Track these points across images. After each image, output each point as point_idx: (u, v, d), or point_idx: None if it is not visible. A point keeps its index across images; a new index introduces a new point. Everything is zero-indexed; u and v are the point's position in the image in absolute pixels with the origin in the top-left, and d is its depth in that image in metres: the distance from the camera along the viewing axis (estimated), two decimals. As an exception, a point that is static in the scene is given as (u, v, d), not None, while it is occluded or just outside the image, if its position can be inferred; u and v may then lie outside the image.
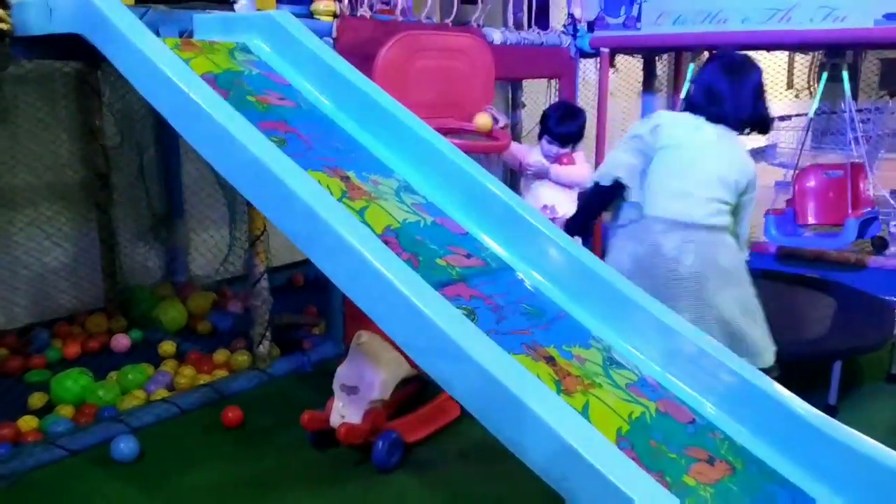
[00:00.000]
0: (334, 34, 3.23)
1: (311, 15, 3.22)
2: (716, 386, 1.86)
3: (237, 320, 3.79)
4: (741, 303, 2.49)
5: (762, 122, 2.55)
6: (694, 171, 2.45)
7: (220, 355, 3.39)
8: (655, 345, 1.94)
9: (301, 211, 1.72)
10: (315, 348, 3.53)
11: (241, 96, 2.23)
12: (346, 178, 2.04)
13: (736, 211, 2.51)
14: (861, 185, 4.42)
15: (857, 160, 4.47)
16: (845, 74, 4.31)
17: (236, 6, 2.89)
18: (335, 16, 3.25)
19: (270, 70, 2.46)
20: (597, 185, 2.63)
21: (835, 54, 4.37)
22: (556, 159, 3.44)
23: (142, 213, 4.09)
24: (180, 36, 2.64)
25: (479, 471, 2.59)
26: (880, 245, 5.15)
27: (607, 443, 1.45)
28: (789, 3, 4.01)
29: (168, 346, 3.48)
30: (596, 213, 2.76)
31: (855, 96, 4.57)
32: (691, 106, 2.56)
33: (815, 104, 4.59)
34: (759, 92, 2.53)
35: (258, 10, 2.90)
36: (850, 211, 4.27)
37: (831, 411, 2.92)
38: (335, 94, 2.39)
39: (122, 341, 3.54)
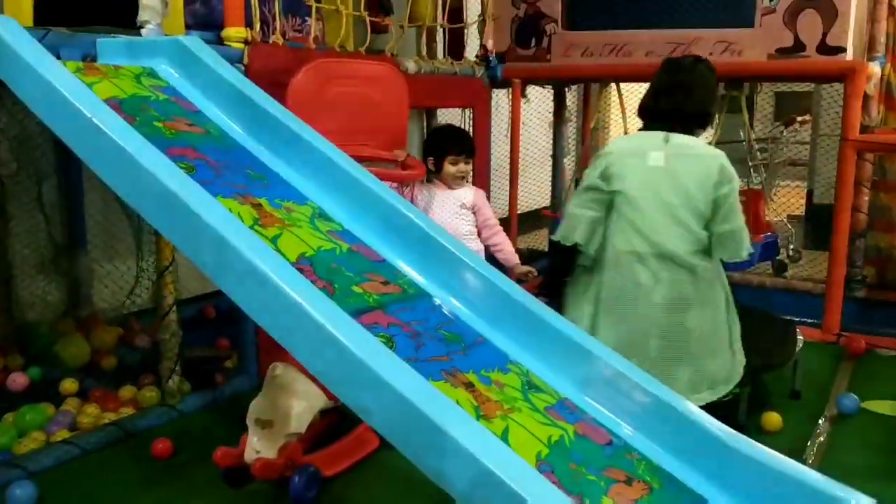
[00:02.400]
0: (245, 61, 3.18)
1: (221, 41, 3.17)
2: (632, 407, 1.88)
3: (145, 355, 3.64)
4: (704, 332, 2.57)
5: (701, 117, 2.64)
6: (651, 209, 2.51)
7: (127, 392, 3.24)
8: (573, 367, 1.96)
9: (210, 239, 1.67)
10: (228, 382, 3.42)
11: (147, 122, 2.16)
12: (257, 206, 1.99)
13: (715, 217, 2.57)
14: (760, 211, 4.62)
15: (756, 187, 4.69)
16: (743, 105, 4.53)
17: (143, 31, 2.82)
18: (246, 42, 3.20)
19: (179, 96, 2.39)
20: (559, 244, 2.66)
21: (733, 87, 4.59)
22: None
23: (41, 244, 3.90)
24: (83, 60, 2.54)
25: (400, 502, 2.55)
26: (780, 268, 5.40)
27: (528, 467, 1.45)
28: (690, 36, 4.20)
29: (70, 384, 3.31)
30: (567, 272, 2.79)
31: (753, 126, 4.79)
32: (642, 113, 2.64)
33: (717, 134, 4.81)
34: (699, 86, 2.61)
35: (166, 34, 2.84)
36: (752, 235, 4.44)
37: (741, 429, 3.00)
38: (246, 121, 2.34)
39: (18, 380, 3.34)
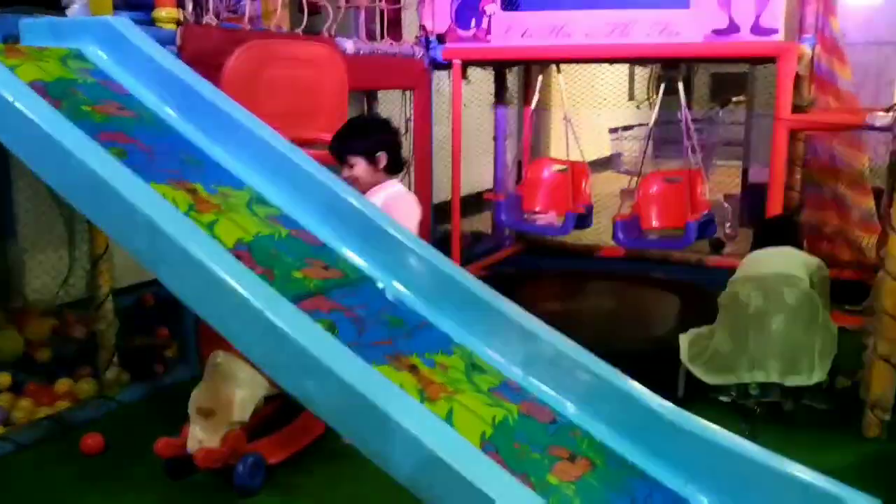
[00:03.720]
0: (178, 42, 3.09)
1: (152, 22, 3.07)
2: (574, 385, 1.90)
3: (81, 346, 3.53)
4: None
5: None
6: None
7: (63, 384, 3.15)
8: (516, 348, 1.97)
9: (144, 226, 1.62)
10: (168, 371, 3.35)
11: (75, 106, 2.08)
12: (192, 191, 1.94)
13: None
14: (698, 190, 4.72)
15: (694, 167, 4.78)
16: (680, 86, 4.60)
17: (68, 11, 2.71)
18: (179, 23, 3.11)
19: (108, 79, 2.31)
20: None
21: (670, 68, 4.66)
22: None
23: (-33, 234, 3.75)
24: (4, 42, 2.44)
25: (345, 488, 2.54)
26: (717, 245, 5.53)
27: (472, 448, 1.46)
28: (628, 18, 4.23)
29: (2, 378, 3.19)
30: None
31: (690, 107, 4.87)
32: None
33: (655, 115, 4.88)
34: None
35: (93, 15, 2.74)
36: (689, 214, 4.55)
37: (680, 404, 3.07)
38: (180, 104, 2.27)
39: (-53, 376, 3.22)
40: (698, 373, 3.08)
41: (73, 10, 2.70)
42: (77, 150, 1.73)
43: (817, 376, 2.90)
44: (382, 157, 2.62)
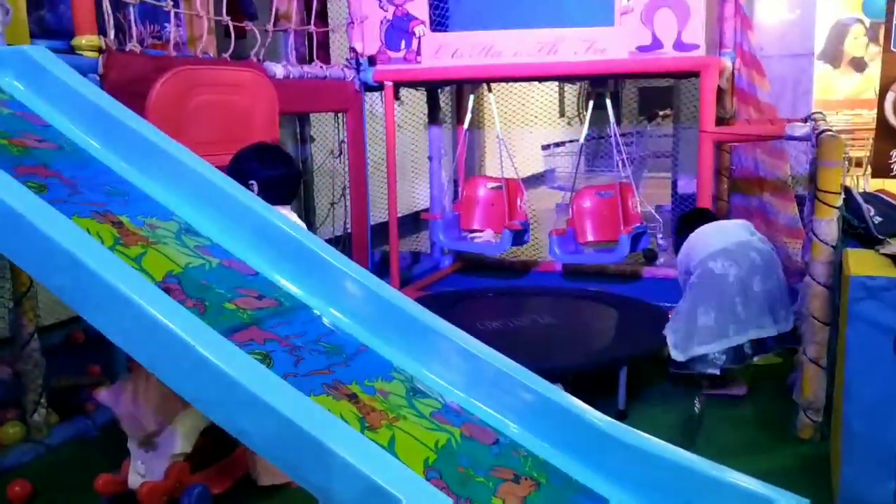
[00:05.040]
0: (100, 71, 3.00)
1: (72, 50, 2.98)
2: (516, 405, 1.91)
3: (6, 387, 3.39)
4: None
5: None
6: None
7: (-13, 429, 3.01)
8: (457, 370, 1.96)
9: (65, 263, 1.56)
10: (100, 409, 3.23)
11: (-10, 139, 2.01)
12: (118, 224, 1.89)
13: None
14: (630, 203, 4.81)
15: (624, 180, 4.87)
16: (608, 102, 4.69)
17: (-18, 41, 2.61)
18: (101, 51, 3.03)
19: (26, 110, 2.23)
20: None
21: (598, 84, 4.75)
22: None
23: None
24: (-87, 75, 2.33)
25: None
26: (651, 257, 5.64)
27: (415, 476, 1.44)
28: (555, 36, 4.30)
29: (-80, 426, 3.04)
30: None
31: (619, 122, 4.97)
32: None
33: (585, 130, 4.96)
34: None
35: (9, 44, 2.64)
36: (622, 227, 4.63)
37: (622, 415, 3.12)
38: (103, 135, 2.21)
39: None
40: (690, 353, 3.29)
41: (-13, 40, 2.61)
42: (-9, 186, 1.66)
43: (791, 321, 3.32)
44: (254, 187, 2.52)
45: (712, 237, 3.45)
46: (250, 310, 1.85)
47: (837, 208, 2.88)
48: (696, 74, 4.22)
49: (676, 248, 3.69)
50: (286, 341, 1.80)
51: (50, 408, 3.06)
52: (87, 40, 2.98)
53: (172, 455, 2.44)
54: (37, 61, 2.30)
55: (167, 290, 1.66)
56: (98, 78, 2.96)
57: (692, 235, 3.53)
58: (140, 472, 2.45)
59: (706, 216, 3.74)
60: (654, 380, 3.59)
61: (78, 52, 2.97)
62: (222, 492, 2.56)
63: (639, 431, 1.81)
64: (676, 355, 3.31)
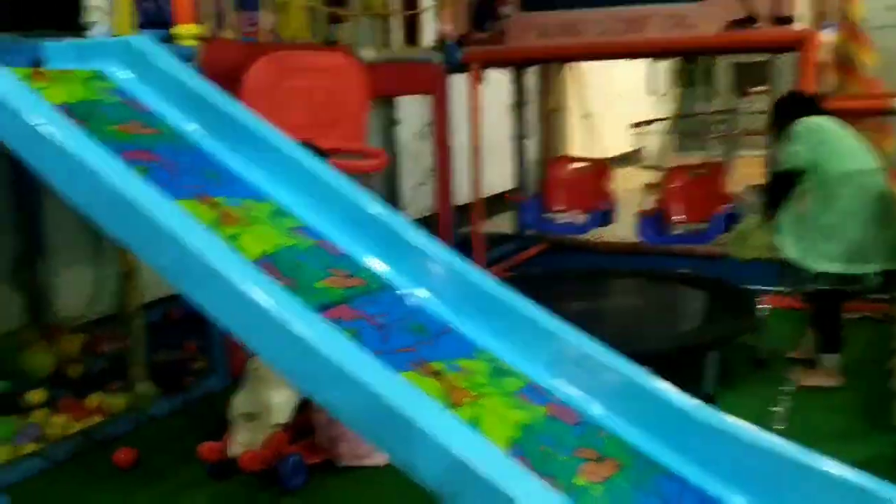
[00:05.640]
0: (199, 58, 3.13)
1: (172, 39, 3.11)
2: (600, 386, 1.90)
3: (111, 361, 3.59)
4: None
5: None
6: None
7: (95, 399, 3.20)
8: (540, 350, 1.97)
9: (167, 242, 1.65)
10: (197, 383, 3.39)
11: (100, 126, 2.12)
12: (216, 205, 1.97)
13: None
14: (721, 183, 4.68)
15: (717, 159, 4.74)
16: (700, 79, 4.57)
17: (91, 32, 2.76)
18: (199, 39, 3.15)
19: (131, 97, 2.35)
20: None
21: (689, 60, 4.63)
22: None
23: (-1, 253, 3.83)
24: (31, 66, 2.49)
25: (386, 484, 2.56)
26: (743, 238, 5.47)
27: (499, 452, 1.46)
28: (642, 13, 4.21)
29: (35, 395, 3.25)
30: None
31: (711, 99, 4.84)
32: None
33: (676, 108, 4.85)
34: None
35: (115, 35, 2.79)
36: (714, 207, 4.51)
37: (709, 399, 3.05)
38: (202, 120, 2.31)
39: (-17, 394, 3.29)
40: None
41: (96, 31, 2.75)
42: (101, 170, 1.76)
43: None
44: None
45: (850, 146, 3.27)
46: (340, 288, 1.91)
47: (945, 187, 2.74)
48: (794, 48, 4.06)
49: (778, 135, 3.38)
50: (373, 319, 1.85)
51: (152, 380, 3.23)
52: (186, 29, 3.11)
53: (271, 426, 2.56)
54: (141, 50, 2.42)
55: (262, 269, 1.73)
56: (196, 65, 3.09)
57: (817, 125, 3.28)
58: (241, 440, 2.58)
59: (812, 106, 3.43)
60: (744, 364, 3.51)
61: (178, 40, 3.10)
62: (318, 462, 2.67)
63: (729, 416, 1.78)
64: (806, 262, 3.17)
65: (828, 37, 4.18)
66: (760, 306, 3.50)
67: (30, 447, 2.85)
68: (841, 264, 3.12)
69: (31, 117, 1.85)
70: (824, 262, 3.13)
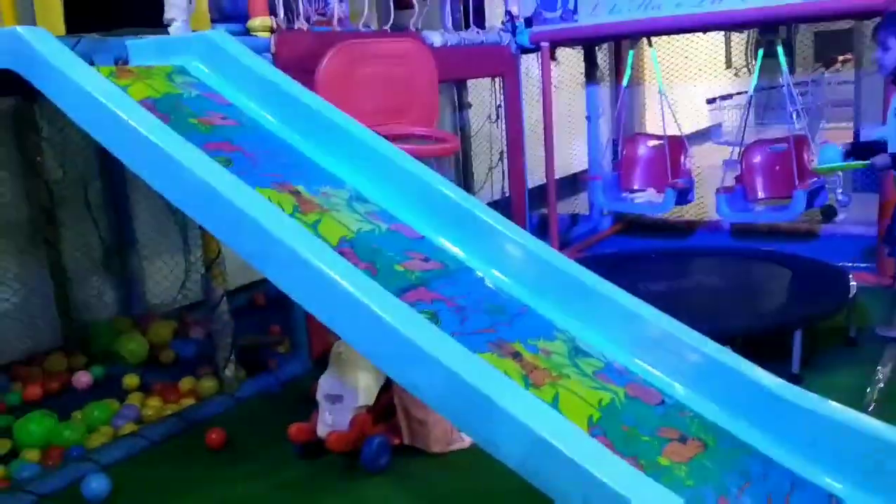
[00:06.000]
0: (273, 49, 3.20)
1: (247, 32, 3.19)
2: (681, 366, 1.88)
3: (200, 346, 3.73)
4: None
5: None
6: None
7: (186, 383, 3.33)
8: (619, 330, 1.95)
9: (252, 230, 1.70)
10: (282, 367, 3.49)
11: (182, 119, 2.20)
12: (296, 193, 2.02)
13: None
14: (805, 157, 4.52)
15: (799, 132, 4.58)
16: (780, 50, 4.41)
17: (170, 29, 2.85)
18: (272, 31, 3.22)
19: (210, 90, 2.43)
20: None
21: (769, 31, 4.47)
22: None
23: (92, 245, 4.01)
24: (116, 63, 2.59)
25: (472, 464, 2.59)
26: (829, 213, 5.28)
27: (580, 432, 1.46)
28: (720, -17, 4.09)
29: (132, 379, 3.42)
30: None
31: (792, 70, 4.68)
32: None
33: (754, 81, 4.69)
34: None
35: (193, 31, 2.87)
36: (797, 183, 4.37)
37: (795, 379, 2.98)
38: (278, 110, 2.36)
39: (83, 379, 3.46)
40: None
41: (175, 28, 2.84)
42: (187, 162, 1.83)
43: None
44: None
45: None
46: (418, 271, 1.94)
47: None
48: (881, 13, 3.87)
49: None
50: (452, 301, 1.87)
51: (238, 364, 3.33)
52: (260, 22, 3.18)
53: (356, 407, 2.63)
54: (218, 44, 2.49)
55: (342, 254, 1.77)
56: (271, 56, 3.17)
57: None
58: (328, 422, 2.66)
59: None
60: (831, 343, 3.40)
61: (252, 33, 3.18)
62: (401, 443, 2.72)
63: (814, 394, 1.74)
64: None
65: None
66: (850, 284, 3.37)
67: (128, 428, 2.99)
68: None
69: (118, 112, 1.93)
70: None
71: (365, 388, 2.63)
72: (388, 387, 2.71)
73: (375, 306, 1.55)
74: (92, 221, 3.97)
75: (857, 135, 6.42)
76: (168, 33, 2.82)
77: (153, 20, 2.89)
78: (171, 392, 3.29)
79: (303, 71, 2.84)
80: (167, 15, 2.85)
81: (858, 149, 3.29)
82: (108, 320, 3.94)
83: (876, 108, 4.20)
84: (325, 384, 2.69)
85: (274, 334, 3.90)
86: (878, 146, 3.19)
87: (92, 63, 2.43)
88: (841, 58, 5.88)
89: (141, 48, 2.57)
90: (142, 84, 2.29)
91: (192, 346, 3.76)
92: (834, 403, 1.72)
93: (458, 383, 1.46)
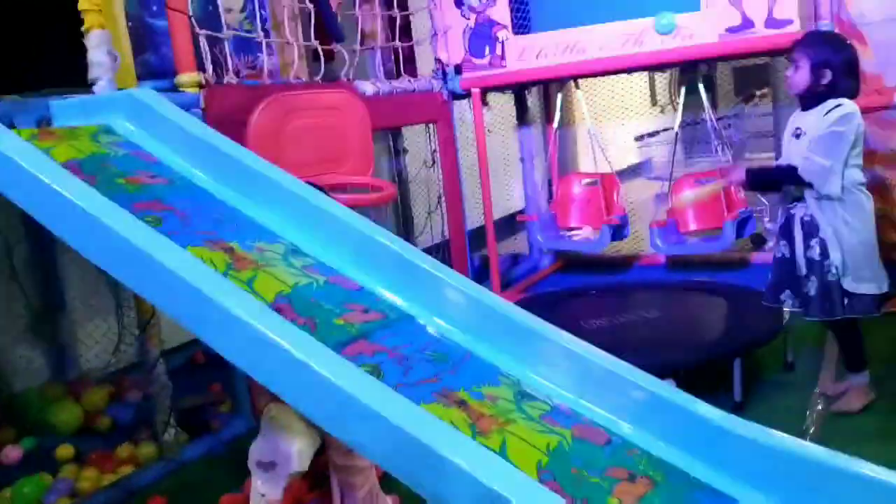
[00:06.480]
0: (202, 105, 3.17)
1: (175, 88, 3.15)
2: (626, 403, 1.88)
3: (138, 410, 3.61)
4: None
5: None
6: None
7: (124, 450, 3.21)
8: (563, 372, 1.95)
9: (184, 291, 1.65)
10: (225, 427, 3.39)
11: (109, 180, 2.15)
12: (229, 250, 1.98)
13: None
14: (733, 188, 4.66)
15: (725, 165, 4.73)
16: (701, 86, 4.57)
17: (95, 88, 2.80)
18: (201, 86, 3.19)
19: (138, 149, 2.38)
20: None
21: (689, 68, 4.63)
22: None
23: (18, 311, 3.86)
24: (38, 125, 2.53)
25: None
26: (758, 241, 5.45)
27: (529, 479, 1.44)
28: (640, 27, 4.23)
29: (65, 450, 3.27)
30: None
31: (714, 105, 4.84)
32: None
33: (679, 117, 4.85)
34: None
35: (119, 89, 2.82)
36: (725, 213, 4.49)
37: (739, 407, 3.03)
38: (209, 166, 2.33)
39: (12, 454, 3.30)
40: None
41: (100, 87, 2.79)
42: (113, 224, 1.77)
43: None
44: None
45: None
46: (358, 323, 1.91)
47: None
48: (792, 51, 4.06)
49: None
50: (394, 352, 1.85)
51: (179, 427, 3.23)
52: (188, 77, 3.15)
53: (290, 474, 2.53)
54: (144, 102, 2.44)
55: (279, 311, 1.73)
56: (201, 112, 3.13)
57: (856, 109, 2.95)
58: (260, 490, 2.54)
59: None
60: (771, 369, 3.47)
61: (181, 89, 3.15)
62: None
63: (756, 424, 1.76)
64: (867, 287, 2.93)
65: (826, 35, 4.17)
66: (784, 310, 3.46)
67: (62, 503, 2.85)
68: None
69: (39, 177, 1.87)
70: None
71: (298, 453, 2.53)
72: (322, 451, 2.64)
73: (315, 363, 1.51)
74: (18, 286, 3.83)
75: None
76: (93, 93, 2.76)
77: (78, 80, 2.84)
78: (108, 461, 3.16)
79: (234, 125, 2.82)
80: (91, 74, 2.81)
81: (758, 176, 3.27)
82: (39, 388, 3.78)
83: (795, 139, 4.35)
84: (257, 451, 2.57)
85: (215, 393, 3.79)
86: (780, 171, 3.17)
87: (12, 126, 2.36)
88: (759, 92, 6.13)
89: (65, 108, 2.51)
90: (66, 145, 2.23)
91: (129, 411, 3.64)
92: (775, 432, 1.74)
93: (403, 438, 1.43)
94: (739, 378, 3.11)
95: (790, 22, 3.99)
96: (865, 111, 4.26)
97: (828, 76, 2.91)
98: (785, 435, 1.73)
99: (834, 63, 2.91)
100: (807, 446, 1.69)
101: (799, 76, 2.99)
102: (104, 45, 2.81)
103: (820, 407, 3.10)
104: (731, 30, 4.08)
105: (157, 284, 1.74)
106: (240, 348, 1.65)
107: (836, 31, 4.31)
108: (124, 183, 2.15)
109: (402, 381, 1.74)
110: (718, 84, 8.85)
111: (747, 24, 4.04)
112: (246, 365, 1.66)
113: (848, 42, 3.11)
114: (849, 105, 2.90)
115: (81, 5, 2.78)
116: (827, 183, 2.88)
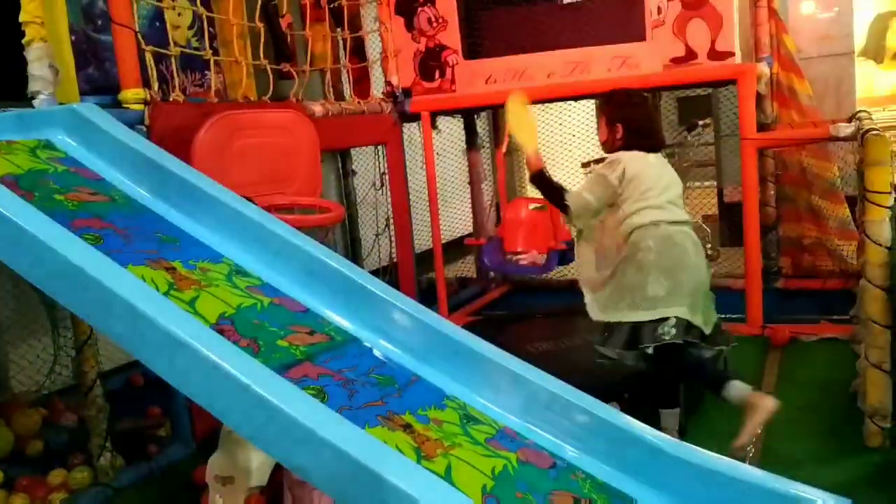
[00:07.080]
0: (147, 122, 3.11)
1: (119, 104, 3.09)
2: (571, 427, 1.90)
3: (72, 434, 3.48)
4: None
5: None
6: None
7: (57, 476, 3.08)
8: (509, 395, 1.96)
9: (122, 311, 1.61)
10: (163, 451, 3.30)
11: (48, 196, 2.09)
12: (171, 269, 1.94)
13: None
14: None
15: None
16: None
17: (35, 102, 2.73)
18: (146, 103, 3.13)
19: (79, 165, 2.32)
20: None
21: (634, 98, 4.73)
22: None
23: (-53, 332, 3.71)
24: (-28, 139, 2.44)
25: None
26: (711, 258, 5.54)
27: (473, 504, 1.44)
28: (587, 55, 4.32)
29: (-8, 476, 3.13)
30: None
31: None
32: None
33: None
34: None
35: (61, 103, 2.76)
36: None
37: (681, 430, 3.06)
38: (153, 184, 2.28)
39: (-64, 481, 3.15)
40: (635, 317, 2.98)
41: (40, 101, 2.72)
42: (50, 241, 1.72)
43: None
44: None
45: (659, 180, 3.07)
46: (303, 346, 1.88)
47: (889, 208, 2.82)
48: (733, 82, 4.19)
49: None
50: (339, 375, 1.83)
51: (115, 451, 3.13)
52: (132, 93, 3.09)
53: (248, 489, 2.49)
54: (86, 117, 2.39)
55: (221, 332, 1.70)
56: (145, 129, 3.07)
57: (629, 157, 3.06)
58: None
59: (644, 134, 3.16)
60: (711, 394, 3.52)
61: (125, 105, 3.08)
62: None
63: (696, 448, 1.79)
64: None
65: (764, 69, 4.32)
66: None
67: (-13, 532, 2.73)
68: None
69: (-27, 192, 1.81)
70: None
71: (258, 468, 2.50)
72: (281, 466, 2.60)
73: (256, 386, 1.49)
74: (-54, 306, 3.69)
75: (720, 193, 6.84)
76: (33, 107, 2.69)
77: (16, 93, 2.76)
78: (39, 487, 3.03)
79: (179, 142, 2.78)
80: (31, 87, 2.74)
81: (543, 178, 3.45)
82: (-34, 412, 3.62)
83: (735, 167, 4.48)
84: (216, 465, 2.54)
85: (154, 417, 3.69)
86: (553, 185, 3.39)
87: (-54, 139, 2.28)
88: (701, 122, 6.28)
89: (2, 122, 2.44)
90: (2, 160, 2.16)
91: (62, 435, 3.50)
92: (715, 455, 1.77)
93: (346, 462, 1.41)
94: (680, 401, 3.14)
95: (731, 54, 4.11)
96: (803, 143, 4.43)
97: (620, 131, 3.13)
98: (725, 458, 1.77)
99: (627, 119, 3.12)
100: (746, 469, 1.74)
101: (599, 132, 3.28)
102: (45, 59, 2.75)
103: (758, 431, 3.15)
104: (675, 60, 4.19)
105: (95, 304, 1.69)
106: (179, 370, 1.61)
107: (775, 65, 4.47)
108: (64, 200, 2.10)
109: (348, 404, 1.72)
110: (663, 113, 9.05)
111: (691, 55, 4.16)
112: (186, 388, 1.62)
113: (641, 98, 3.29)
114: (621, 155, 3.08)
115: (22, 17, 2.72)
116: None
